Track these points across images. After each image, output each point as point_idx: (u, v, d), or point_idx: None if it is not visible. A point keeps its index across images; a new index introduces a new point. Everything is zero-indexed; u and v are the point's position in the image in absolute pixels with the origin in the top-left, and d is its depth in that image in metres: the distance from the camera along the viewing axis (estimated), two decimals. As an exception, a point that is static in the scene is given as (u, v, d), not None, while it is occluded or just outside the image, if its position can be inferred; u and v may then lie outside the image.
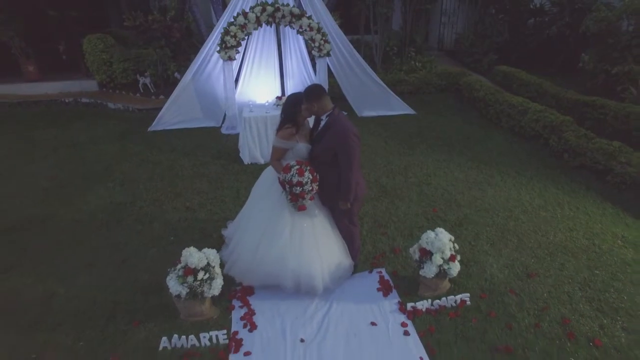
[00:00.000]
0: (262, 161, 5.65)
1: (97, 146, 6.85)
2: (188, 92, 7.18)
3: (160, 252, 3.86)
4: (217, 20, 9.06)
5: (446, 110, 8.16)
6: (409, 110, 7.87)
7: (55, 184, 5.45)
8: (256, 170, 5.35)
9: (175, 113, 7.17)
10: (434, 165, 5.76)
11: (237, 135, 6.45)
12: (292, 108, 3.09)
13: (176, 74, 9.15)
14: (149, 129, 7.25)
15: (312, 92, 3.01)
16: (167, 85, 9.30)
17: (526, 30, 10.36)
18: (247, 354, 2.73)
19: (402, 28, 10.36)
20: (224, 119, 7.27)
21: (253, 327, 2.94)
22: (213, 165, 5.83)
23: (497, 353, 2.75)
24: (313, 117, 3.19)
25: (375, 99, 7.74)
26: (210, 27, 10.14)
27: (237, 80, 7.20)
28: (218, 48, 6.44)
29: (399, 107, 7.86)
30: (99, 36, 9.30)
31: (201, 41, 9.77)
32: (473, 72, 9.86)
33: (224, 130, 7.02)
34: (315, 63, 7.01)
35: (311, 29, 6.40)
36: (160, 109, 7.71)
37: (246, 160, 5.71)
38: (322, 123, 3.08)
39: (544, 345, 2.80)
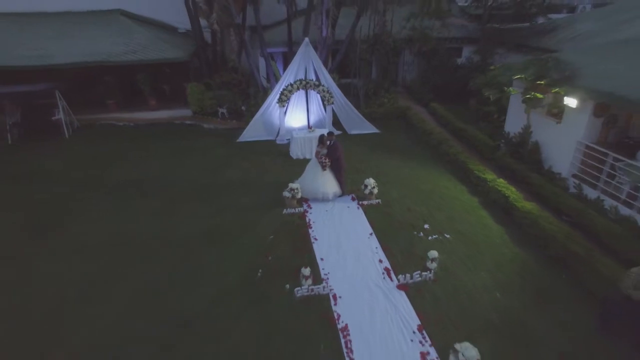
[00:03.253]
0: (302, 157, 12.03)
1: (212, 150, 13.21)
2: (258, 120, 13.54)
3: (268, 192, 10.18)
4: (266, 69, 15.47)
5: (397, 131, 14.58)
6: (376, 130, 14.27)
7: (205, 170, 11.73)
8: (301, 161, 11.71)
9: (252, 131, 13.54)
10: (384, 160, 12.12)
11: (286, 144, 12.87)
12: (322, 138, 9.47)
13: (242, 107, 15.54)
14: (237, 140, 13.63)
15: (329, 134, 9.42)
16: (236, 114, 15.69)
17: (454, 79, 16.73)
18: (310, 214, 9.13)
19: (377, 77, 16.78)
20: (277, 134, 13.66)
21: (310, 208, 9.35)
22: (278, 159, 12.22)
23: (387, 215, 9.11)
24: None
25: (357, 123, 14.15)
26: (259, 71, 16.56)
27: (284, 114, 13.56)
28: (277, 101, 12.83)
29: (370, 128, 14.26)
30: (196, 84, 15.75)
31: (255, 84, 16.17)
32: (419, 105, 16.30)
33: (278, 141, 13.43)
34: (325, 107, 13.42)
35: (324, 91, 12.82)
36: (236, 129, 14.14)
37: (294, 156, 12.12)
38: (331, 143, 9.46)
39: (401, 212, 9.18)
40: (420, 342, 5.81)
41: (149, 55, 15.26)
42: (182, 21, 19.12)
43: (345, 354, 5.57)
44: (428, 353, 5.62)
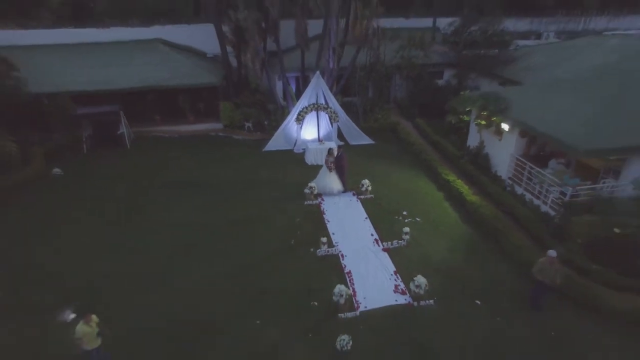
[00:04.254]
0: (315, 163, 15.80)
1: (244, 157, 16.96)
2: (280, 134, 17.32)
3: (292, 189, 13.94)
4: (283, 89, 19.23)
5: (389, 142, 18.35)
6: (372, 142, 18.05)
7: (241, 172, 15.48)
8: (314, 167, 15.46)
9: (275, 143, 17.33)
10: (377, 165, 15.88)
11: (301, 152, 16.68)
12: (330, 150, 13.26)
13: (265, 122, 19.33)
14: (263, 150, 17.40)
15: (339, 147, 13.27)
16: (260, 127, 19.45)
17: (436, 99, 20.42)
18: (323, 205, 12.92)
19: (373, 95, 20.57)
20: (294, 145, 17.43)
21: (323, 200, 13.15)
22: (296, 164, 16.00)
23: (378, 205, 12.89)
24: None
25: (356, 136, 17.94)
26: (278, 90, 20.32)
27: (301, 129, 17.32)
28: (295, 119, 16.62)
29: (367, 140, 18.04)
30: (228, 103, 19.53)
31: (274, 101, 19.93)
32: (407, 120, 20.08)
33: (295, 150, 17.21)
34: (332, 124, 17.21)
35: (331, 112, 16.62)
36: (260, 140, 17.96)
37: (309, 163, 15.91)
38: (339, 154, 13.25)
39: (387, 203, 12.96)
40: (395, 279, 9.61)
41: (189, 80, 19.05)
42: (210, 48, 22.96)
43: (349, 286, 9.35)
44: (399, 285, 9.41)
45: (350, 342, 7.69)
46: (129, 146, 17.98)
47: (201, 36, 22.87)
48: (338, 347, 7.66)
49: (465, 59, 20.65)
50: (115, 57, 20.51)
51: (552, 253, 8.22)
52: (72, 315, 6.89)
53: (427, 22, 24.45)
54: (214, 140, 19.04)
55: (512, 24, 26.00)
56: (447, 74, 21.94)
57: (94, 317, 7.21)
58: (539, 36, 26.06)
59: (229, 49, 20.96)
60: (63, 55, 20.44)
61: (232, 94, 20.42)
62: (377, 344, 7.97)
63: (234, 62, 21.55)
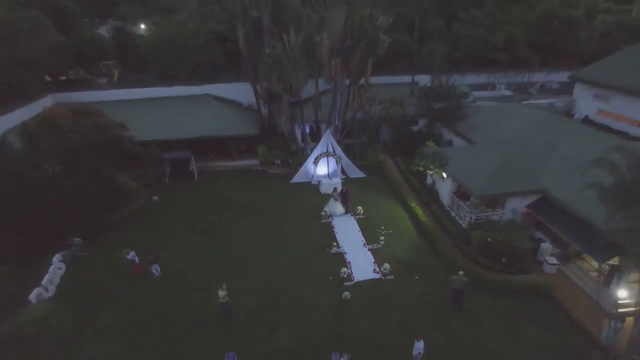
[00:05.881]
0: (327, 192, 23.73)
1: (277, 187, 24.90)
2: (302, 170, 25.25)
3: (312, 212, 21.81)
4: (302, 135, 27.31)
5: (377, 176, 26.25)
6: (365, 175, 25.98)
7: (276, 199, 23.44)
8: (326, 195, 23.40)
9: (299, 177, 25.26)
10: (368, 194, 23.79)
11: (316, 184, 24.69)
12: (335, 189, 21.19)
13: (290, 160, 27.28)
14: (291, 182, 25.33)
15: (343, 184, 21.19)
16: (286, 164, 27.36)
17: (413, 142, 28.19)
18: (333, 222, 20.85)
19: (366, 139, 28.49)
20: (312, 178, 25.35)
21: (332, 219, 21.07)
22: (313, 193, 23.95)
23: (366, 223, 20.80)
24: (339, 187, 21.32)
25: (353, 171, 25.90)
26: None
27: (316, 168, 25.20)
28: (312, 162, 24.56)
29: (361, 174, 25.99)
30: (263, 146, 27.52)
31: (294, 142, 27.96)
32: (391, 159, 28.04)
33: (312, 182, 25.16)
34: (337, 164, 25.14)
35: (336, 157, 24.59)
36: (287, 174, 26.04)
37: (322, 192, 23.86)
38: (344, 190, 21.17)
39: (373, 221, 20.88)
40: (374, 266, 17.55)
41: (237, 131, 27.00)
42: (245, 99, 30.86)
43: (349, 268, 17.27)
44: (375, 268, 17.35)
45: (350, 296, 15.64)
46: (196, 179, 25.90)
47: (239, 91, 30.81)
48: (343, 297, 15.61)
49: (432, 111, 28.52)
50: (180, 109, 28.36)
51: (461, 272, 15.38)
52: (224, 285, 14.74)
53: (408, 78, 32.32)
54: (253, 174, 26.94)
55: (473, 79, 34.15)
56: (421, 122, 29.86)
57: (225, 287, 15.02)
58: (493, 87, 33.97)
59: (261, 102, 28.98)
60: (142, 108, 28.22)
61: (264, 138, 28.37)
62: (363, 297, 15.90)
63: (263, 110, 29.55)
